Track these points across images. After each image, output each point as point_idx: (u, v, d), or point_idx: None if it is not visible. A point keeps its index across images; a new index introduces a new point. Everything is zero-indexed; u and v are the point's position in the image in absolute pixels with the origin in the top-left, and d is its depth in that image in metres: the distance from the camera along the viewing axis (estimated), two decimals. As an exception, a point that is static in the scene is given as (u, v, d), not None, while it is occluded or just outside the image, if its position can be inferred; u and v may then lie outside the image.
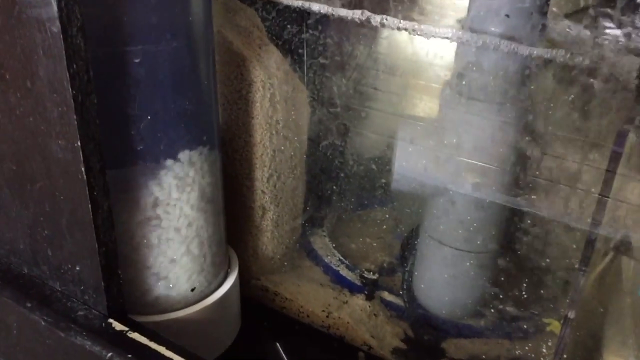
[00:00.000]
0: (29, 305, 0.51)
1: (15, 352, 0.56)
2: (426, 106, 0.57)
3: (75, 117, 0.42)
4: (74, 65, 0.40)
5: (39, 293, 0.52)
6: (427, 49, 0.54)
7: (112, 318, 0.50)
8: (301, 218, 0.71)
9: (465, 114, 0.53)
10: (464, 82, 0.51)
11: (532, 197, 0.54)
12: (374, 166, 0.66)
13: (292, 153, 0.65)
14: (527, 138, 0.51)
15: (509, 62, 0.49)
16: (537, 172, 0.53)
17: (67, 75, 0.40)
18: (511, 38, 0.47)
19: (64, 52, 0.39)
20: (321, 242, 0.74)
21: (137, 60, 0.45)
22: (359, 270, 0.69)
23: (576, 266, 0.50)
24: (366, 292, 0.67)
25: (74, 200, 0.46)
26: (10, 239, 0.54)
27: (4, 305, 0.53)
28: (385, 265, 0.72)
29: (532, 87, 0.50)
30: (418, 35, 0.49)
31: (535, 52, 0.46)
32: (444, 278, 0.62)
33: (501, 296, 0.60)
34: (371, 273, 0.68)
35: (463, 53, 0.51)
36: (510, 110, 0.52)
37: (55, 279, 0.52)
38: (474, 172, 0.56)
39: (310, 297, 0.67)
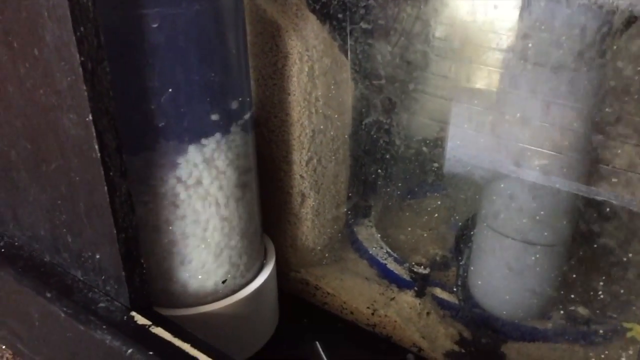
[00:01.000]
0: (49, 295, 0.48)
1: (38, 345, 0.53)
2: (484, 75, 0.50)
3: (85, 87, 0.38)
4: (81, 28, 0.36)
5: (60, 282, 0.50)
6: (485, 7, 0.47)
7: (134, 311, 0.47)
8: (344, 206, 0.66)
9: (531, 84, 0.46)
10: (529, 45, 0.44)
11: (613, 180, 0.47)
12: (424, 147, 0.59)
13: (334, 134, 0.59)
14: (607, 110, 0.44)
15: (585, 18, 0.41)
16: (619, 152, 0.45)
17: (74, 39, 0.36)
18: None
19: (69, 12, 0.35)
20: (366, 233, 0.69)
21: (154, 25, 0.41)
22: (408, 264, 0.64)
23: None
24: (416, 288, 0.63)
25: (89, 182, 0.42)
26: (30, 224, 0.51)
27: (25, 295, 0.50)
28: (437, 258, 0.67)
29: (615, 48, 0.42)
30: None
31: (619, 2, 0.39)
32: (505, 274, 0.56)
33: (572, 295, 0.53)
34: (422, 267, 0.63)
35: (529, 9, 0.44)
36: (586, 77, 0.44)
37: (77, 267, 0.49)
38: (540, 152, 0.49)
39: (355, 292, 0.63)
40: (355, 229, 0.70)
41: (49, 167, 0.45)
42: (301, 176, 0.59)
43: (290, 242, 0.63)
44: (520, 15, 0.45)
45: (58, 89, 0.39)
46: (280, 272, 0.62)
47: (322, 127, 0.58)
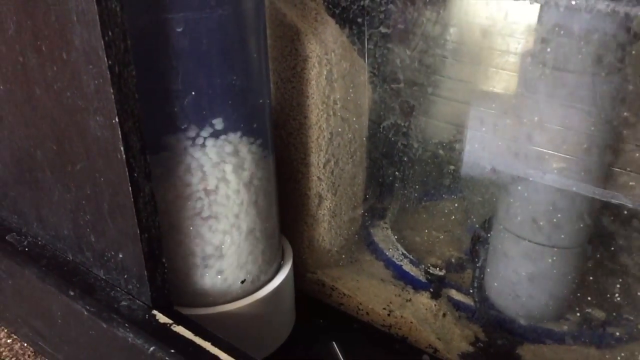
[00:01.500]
0: (71, 293, 0.49)
1: (61, 343, 0.54)
2: (502, 79, 0.51)
3: (112, 90, 0.38)
4: (109, 33, 0.37)
5: (83, 281, 0.50)
6: (505, 12, 0.48)
7: (156, 309, 0.48)
8: (361, 208, 0.66)
9: (550, 88, 0.46)
10: (548, 49, 0.44)
11: (630, 184, 0.47)
12: (441, 150, 0.59)
13: (351, 136, 0.60)
14: (625, 114, 0.44)
15: (604, 23, 0.41)
16: (636, 156, 0.46)
17: (102, 43, 0.37)
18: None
19: (97, 17, 0.36)
20: (383, 235, 0.70)
21: (179, 30, 0.42)
22: (424, 266, 0.64)
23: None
24: (432, 290, 0.63)
25: (114, 183, 0.43)
26: (54, 224, 0.52)
27: (48, 293, 0.51)
28: (453, 260, 0.66)
29: (634, 52, 0.42)
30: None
31: (636, 10, 0.39)
32: (521, 276, 0.56)
33: (588, 298, 0.53)
34: (438, 269, 0.63)
35: (548, 14, 0.44)
36: (605, 82, 0.44)
37: (99, 266, 0.50)
38: (557, 156, 0.49)
39: (370, 293, 0.63)
40: (371, 231, 0.70)
41: (74, 168, 0.46)
42: (319, 178, 0.59)
43: (307, 243, 0.64)
44: (539, 20, 0.45)
45: (85, 92, 0.40)
46: (297, 273, 0.62)
47: (339, 129, 0.58)
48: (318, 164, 0.59)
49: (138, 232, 0.44)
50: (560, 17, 0.43)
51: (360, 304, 0.62)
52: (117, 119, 0.39)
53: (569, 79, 0.45)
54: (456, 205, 0.67)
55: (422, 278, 0.64)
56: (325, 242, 0.63)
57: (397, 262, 0.66)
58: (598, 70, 0.44)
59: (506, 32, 0.49)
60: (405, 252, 0.67)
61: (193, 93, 0.44)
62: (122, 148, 0.40)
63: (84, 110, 0.41)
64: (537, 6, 0.45)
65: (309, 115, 0.56)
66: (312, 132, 0.57)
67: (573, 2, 0.41)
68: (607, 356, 0.54)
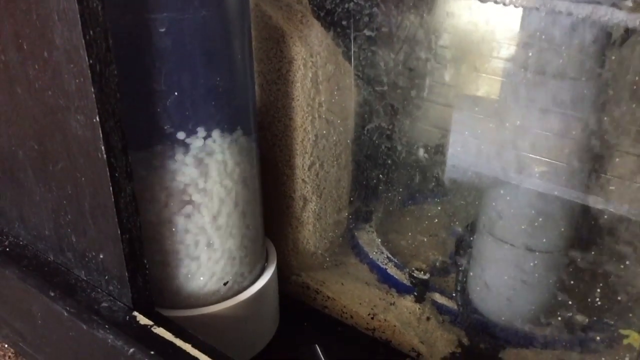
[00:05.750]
0: (52, 294, 0.49)
1: (41, 344, 0.54)
2: (485, 83, 0.51)
3: (93, 89, 0.38)
4: (90, 32, 0.37)
5: (64, 282, 0.50)
6: (487, 17, 0.48)
7: (137, 311, 0.47)
8: (346, 211, 0.66)
9: (531, 92, 0.46)
10: (529, 54, 0.45)
11: (611, 189, 0.47)
12: (425, 153, 0.60)
13: (336, 139, 0.60)
14: (605, 119, 0.44)
15: (585, 28, 0.42)
16: (617, 161, 0.46)
17: (83, 42, 0.37)
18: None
19: (78, 16, 0.36)
20: (367, 238, 0.70)
21: (162, 30, 0.42)
22: (408, 270, 0.64)
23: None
24: (416, 294, 0.63)
25: (94, 183, 0.43)
26: (36, 224, 0.51)
27: (29, 294, 0.51)
28: (437, 264, 0.67)
29: (613, 58, 0.43)
30: None
31: (618, 17, 0.39)
32: (504, 280, 0.56)
33: (570, 302, 0.54)
34: (422, 273, 0.63)
35: (529, 19, 0.44)
36: (586, 86, 0.45)
37: (81, 267, 0.50)
38: (540, 160, 0.50)
39: (355, 296, 0.63)
40: (356, 234, 0.70)
41: (56, 167, 0.45)
42: (303, 180, 0.59)
43: (291, 245, 0.64)
44: (521, 25, 0.45)
45: (66, 91, 0.40)
46: (281, 275, 0.62)
47: (324, 132, 0.58)
48: (303, 167, 0.59)
49: (119, 232, 0.44)
50: (541, 22, 0.43)
51: (345, 307, 0.62)
52: (97, 118, 0.39)
53: (551, 83, 0.46)
54: (440, 209, 0.67)
55: (406, 281, 0.64)
56: (310, 244, 0.63)
57: (382, 266, 0.66)
58: (579, 75, 0.45)
59: (490, 37, 0.49)
60: (389, 255, 0.67)
61: (176, 94, 0.44)
62: (102, 147, 0.40)
63: (65, 109, 0.41)
64: (520, 10, 0.45)
65: (294, 117, 0.56)
66: (297, 135, 0.57)
67: (555, 7, 0.41)
68: (588, 360, 0.54)
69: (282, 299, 0.61)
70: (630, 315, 0.52)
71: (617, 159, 0.47)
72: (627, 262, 0.50)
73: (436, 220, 0.68)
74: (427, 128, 0.59)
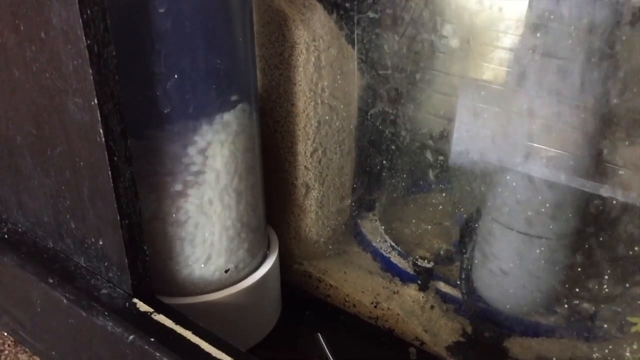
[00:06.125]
0: (51, 281, 0.48)
1: (41, 332, 0.53)
2: (492, 66, 0.50)
3: (90, 70, 0.38)
4: (88, 11, 0.36)
5: (63, 269, 0.50)
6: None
7: (137, 298, 0.47)
8: (349, 198, 0.65)
9: (540, 74, 0.45)
10: (538, 35, 0.44)
11: (619, 173, 0.46)
12: (429, 140, 0.59)
13: (339, 125, 0.59)
14: (615, 102, 0.43)
15: (595, 8, 0.41)
16: (627, 146, 0.45)
17: (81, 22, 0.36)
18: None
19: (75, -6, 0.35)
20: (371, 226, 0.69)
21: (161, 10, 0.41)
22: (412, 258, 0.63)
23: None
24: (419, 282, 0.62)
25: (93, 167, 0.42)
26: (34, 210, 0.51)
27: (28, 281, 0.50)
28: (441, 252, 0.66)
29: (624, 38, 0.41)
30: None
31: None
32: (509, 267, 0.55)
33: (577, 290, 0.53)
34: (425, 261, 0.62)
35: (537, 1, 0.43)
36: (596, 68, 0.44)
37: (80, 254, 0.49)
38: (548, 145, 0.49)
39: (358, 285, 0.62)
40: (359, 222, 0.69)
41: (54, 152, 0.45)
42: (306, 167, 0.59)
43: (293, 233, 0.63)
44: (529, 5, 0.44)
45: (64, 73, 0.39)
46: (284, 263, 0.61)
47: (327, 118, 0.57)
48: (305, 153, 0.58)
49: (118, 218, 0.43)
50: (549, 3, 0.42)
51: (347, 295, 0.62)
52: (96, 101, 0.38)
53: (559, 66, 0.45)
54: (444, 196, 0.66)
55: (410, 270, 0.63)
56: (312, 233, 0.63)
57: (385, 254, 0.65)
58: (589, 57, 0.44)
59: (497, 17, 0.48)
60: (393, 243, 0.66)
61: (176, 76, 0.43)
62: (101, 131, 0.40)
63: (62, 91, 0.40)
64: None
65: (296, 102, 0.55)
66: (299, 120, 0.56)
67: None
68: (594, 349, 0.54)
69: (284, 288, 0.61)
70: (638, 302, 0.52)
71: (626, 146, 0.46)
72: (636, 249, 0.49)
73: (440, 207, 0.67)
74: (432, 114, 0.58)
